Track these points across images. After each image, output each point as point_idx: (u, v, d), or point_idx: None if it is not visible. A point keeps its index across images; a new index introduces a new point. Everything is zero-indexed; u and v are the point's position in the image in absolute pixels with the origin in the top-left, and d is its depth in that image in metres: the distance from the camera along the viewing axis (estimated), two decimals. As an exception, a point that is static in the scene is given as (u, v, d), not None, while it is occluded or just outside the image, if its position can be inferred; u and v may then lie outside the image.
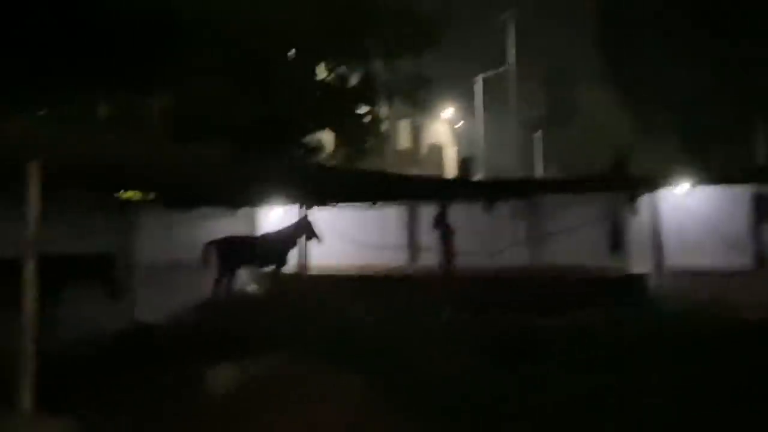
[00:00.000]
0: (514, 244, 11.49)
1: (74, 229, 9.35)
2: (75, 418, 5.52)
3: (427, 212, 15.49)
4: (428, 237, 12.99)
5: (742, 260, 10.44)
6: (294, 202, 11.43)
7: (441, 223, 10.41)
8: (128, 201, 10.98)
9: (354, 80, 9.35)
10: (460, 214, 11.27)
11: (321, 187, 7.38)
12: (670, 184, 11.11)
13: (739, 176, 11.26)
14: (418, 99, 13.73)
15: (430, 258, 12.90)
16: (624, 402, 5.76)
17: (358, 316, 9.11)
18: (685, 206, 11.10)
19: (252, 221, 13.86)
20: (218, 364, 6.52)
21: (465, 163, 14.50)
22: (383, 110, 9.92)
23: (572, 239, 11.05)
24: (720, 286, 9.38)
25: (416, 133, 25.15)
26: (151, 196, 11.00)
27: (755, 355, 6.83)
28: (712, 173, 11.51)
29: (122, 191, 10.71)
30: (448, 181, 11.42)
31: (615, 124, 21.23)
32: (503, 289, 10.04)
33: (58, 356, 7.88)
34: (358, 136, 8.79)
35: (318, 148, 8.99)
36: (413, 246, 15.05)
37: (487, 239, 11.54)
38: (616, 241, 11.01)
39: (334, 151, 10.60)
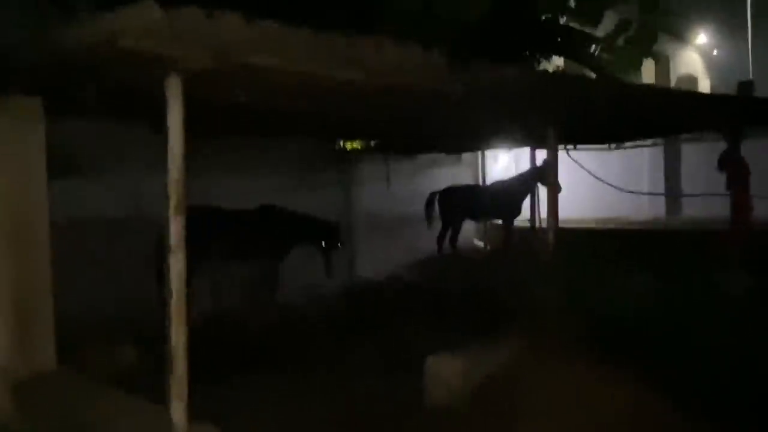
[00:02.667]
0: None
1: (295, 180, 8.90)
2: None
3: (689, 152, 12.80)
4: (691, 183, 10.47)
5: None
6: (527, 142, 9.72)
7: (731, 161, 7.86)
8: (350, 151, 10.27)
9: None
10: (748, 152, 8.59)
11: (576, 114, 5.59)
12: None
13: None
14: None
15: (695, 208, 10.41)
16: None
17: (614, 283, 7.24)
18: None
19: (478, 168, 12.52)
20: (449, 341, 5.23)
21: (744, 89, 11.43)
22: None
23: None
24: None
25: (663, 65, 21.50)
26: (372, 144, 10.16)
27: None
28: None
29: (344, 140, 10.04)
30: (743, 99, 8.70)
31: None
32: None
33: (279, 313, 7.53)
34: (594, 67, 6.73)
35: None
36: (673, 194, 12.55)
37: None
38: None
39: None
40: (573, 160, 9.85)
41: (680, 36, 7.08)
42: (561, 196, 10.46)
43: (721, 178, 8.18)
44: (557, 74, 5.71)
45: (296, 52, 3.21)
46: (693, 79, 24.63)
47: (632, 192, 10.33)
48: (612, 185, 10.34)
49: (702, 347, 5.03)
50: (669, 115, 6.12)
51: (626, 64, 6.32)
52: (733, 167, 7.85)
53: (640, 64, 6.46)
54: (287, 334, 7.07)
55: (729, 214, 8.06)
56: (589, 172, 10.18)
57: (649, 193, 10.20)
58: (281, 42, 3.03)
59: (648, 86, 5.95)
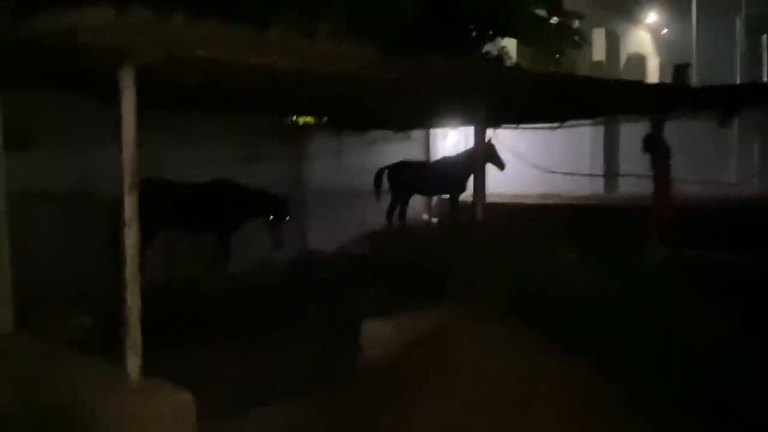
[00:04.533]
0: (748, 170, 9.15)
1: (245, 154, 9.16)
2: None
3: (627, 133, 13.46)
4: (629, 162, 11.06)
5: None
6: (471, 121, 10.18)
7: (654, 143, 8.48)
8: (302, 125, 10.55)
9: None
10: (672, 134, 9.23)
11: (508, 98, 6.04)
12: None
13: None
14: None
15: (631, 186, 11.05)
16: None
17: (552, 255, 7.80)
18: None
19: (427, 145, 12.95)
20: (389, 308, 5.70)
21: (679, 72, 12.05)
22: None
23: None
24: None
25: (613, 43, 22.02)
26: (323, 120, 10.46)
27: None
28: None
29: (295, 115, 10.31)
30: (667, 87, 9.28)
31: None
32: (735, 225, 8.03)
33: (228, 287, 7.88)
34: (548, 44, 7.16)
35: (500, 57, 7.52)
36: (611, 172, 13.22)
37: (709, 165, 9.36)
38: None
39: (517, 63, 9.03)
40: (498, 140, 10.31)
41: (581, 43, 7.51)
42: (508, 172, 11.11)
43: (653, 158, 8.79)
44: (474, 63, 6.12)
45: (235, 45, 3.57)
46: (642, 58, 25.21)
47: (553, 172, 10.84)
48: (536, 165, 10.79)
49: (614, 316, 5.61)
50: (587, 100, 6.64)
51: (551, 54, 6.82)
52: (657, 148, 8.47)
53: (555, 57, 6.96)
54: (238, 302, 7.49)
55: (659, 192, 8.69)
56: (515, 153, 10.67)
57: (566, 173, 10.74)
58: (220, 38, 3.40)
59: (557, 75, 6.40)
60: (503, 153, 10.48)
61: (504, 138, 10.68)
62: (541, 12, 7.42)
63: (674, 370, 4.50)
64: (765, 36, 22.22)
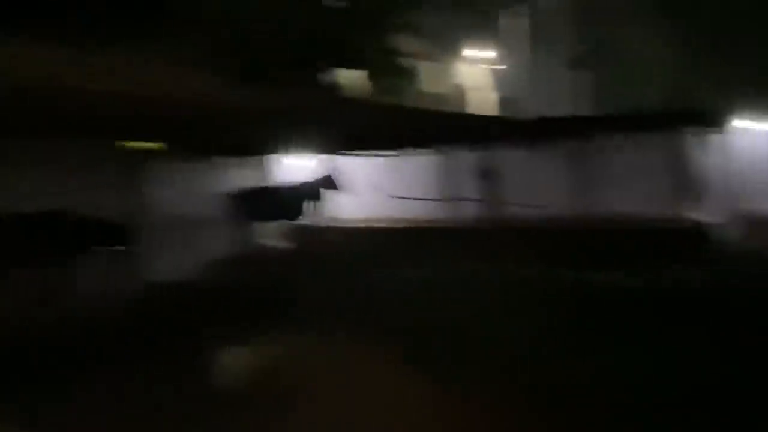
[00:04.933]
0: (567, 192, 10.22)
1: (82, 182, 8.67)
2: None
3: (466, 159, 14.40)
4: (468, 187, 11.88)
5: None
6: (314, 148, 10.46)
7: (487, 170, 9.25)
8: (144, 151, 10.14)
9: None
10: (503, 161, 10.10)
11: (346, 126, 6.32)
12: (742, 120, 9.73)
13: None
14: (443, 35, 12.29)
15: (471, 210, 11.85)
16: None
17: (395, 273, 8.18)
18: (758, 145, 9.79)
19: (271, 171, 13.00)
20: (236, 336, 5.66)
21: (507, 104, 13.24)
22: (408, 46, 8.70)
23: (631, 185, 9.76)
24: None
25: (446, 75, 23.34)
26: (167, 145, 10.15)
27: None
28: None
29: (129, 140, 9.89)
30: (493, 119, 10.14)
31: (671, 59, 19.40)
32: (559, 242, 8.94)
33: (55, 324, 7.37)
34: (383, 73, 7.63)
35: (334, 87, 7.85)
36: (451, 197, 14.05)
37: (535, 188, 10.34)
38: (682, 186, 9.67)
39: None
40: (349, 167, 10.71)
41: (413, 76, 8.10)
42: (354, 199, 11.46)
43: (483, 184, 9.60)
44: (312, 94, 6.39)
45: (65, 69, 3.47)
46: (473, 90, 26.94)
47: (398, 196, 11.40)
48: (382, 191, 11.33)
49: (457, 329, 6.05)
50: (423, 130, 7.15)
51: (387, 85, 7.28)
52: (490, 175, 9.29)
53: (393, 88, 7.46)
54: (78, 337, 7.01)
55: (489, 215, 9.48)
56: (368, 180, 11.13)
57: (409, 198, 11.39)
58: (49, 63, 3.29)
59: (391, 105, 6.84)
60: (358, 180, 10.90)
61: (358, 165, 11.09)
62: (387, 46, 7.89)
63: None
64: (584, 73, 24.86)
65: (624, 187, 9.79)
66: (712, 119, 9.42)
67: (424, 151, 11.94)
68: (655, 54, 18.96)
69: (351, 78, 10.01)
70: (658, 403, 4.41)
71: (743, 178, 9.57)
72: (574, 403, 4.45)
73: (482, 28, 21.90)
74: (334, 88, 7.81)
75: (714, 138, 9.83)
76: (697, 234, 8.75)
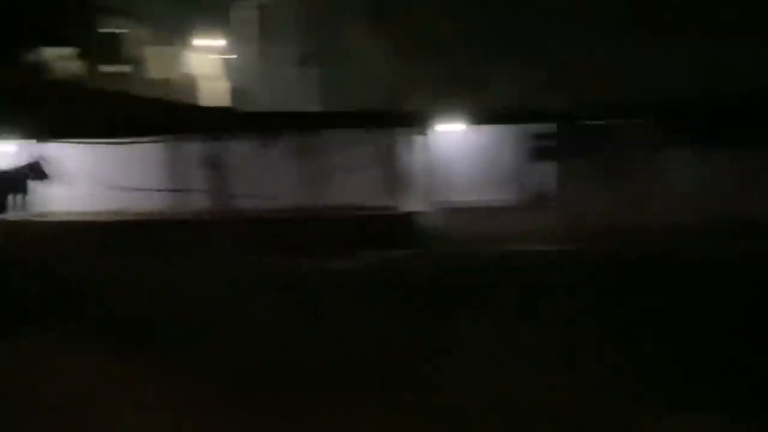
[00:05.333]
0: (291, 184, 10.77)
1: None
2: None
3: (192, 150, 14.09)
4: (195, 178, 11.67)
5: (509, 196, 11.09)
6: (20, 135, 9.36)
7: (213, 161, 9.21)
8: None
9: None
10: (231, 152, 10.19)
11: (55, 111, 5.83)
12: (444, 123, 11.32)
13: (510, 116, 11.73)
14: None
15: (196, 201, 11.69)
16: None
17: (111, 268, 7.76)
18: (458, 144, 11.45)
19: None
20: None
21: (237, 95, 13.30)
22: (132, 30, 8.30)
23: (350, 178, 10.77)
24: (488, 221, 9.88)
25: (175, 61, 22.49)
26: None
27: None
28: (487, 113, 11.84)
29: None
30: (221, 110, 10.14)
31: (386, 64, 21.22)
32: (282, 231, 9.39)
33: None
34: (98, 54, 7.18)
35: (39, 66, 7.14)
36: (177, 188, 13.66)
37: (261, 179, 10.65)
38: (394, 179, 10.96)
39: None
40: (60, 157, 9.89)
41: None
42: (71, 189, 10.42)
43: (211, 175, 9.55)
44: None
45: None
46: (204, 79, 26.27)
47: (120, 187, 10.86)
48: (107, 182, 10.67)
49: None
50: (143, 118, 6.90)
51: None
52: (216, 167, 9.29)
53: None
54: None
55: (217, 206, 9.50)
56: (84, 171, 10.37)
57: (131, 189, 10.91)
58: None
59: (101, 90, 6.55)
60: (74, 169, 9.98)
61: (70, 154, 10.14)
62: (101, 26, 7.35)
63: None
64: (311, 70, 25.82)
65: (344, 179, 10.74)
66: (418, 120, 10.82)
67: (150, 139, 11.41)
68: (372, 58, 20.72)
69: (65, 58, 9.20)
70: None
71: (443, 173, 11.20)
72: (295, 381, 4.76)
73: (214, 16, 21.54)
74: (40, 69, 7.10)
75: (420, 137, 11.30)
76: (405, 221, 10.00)
